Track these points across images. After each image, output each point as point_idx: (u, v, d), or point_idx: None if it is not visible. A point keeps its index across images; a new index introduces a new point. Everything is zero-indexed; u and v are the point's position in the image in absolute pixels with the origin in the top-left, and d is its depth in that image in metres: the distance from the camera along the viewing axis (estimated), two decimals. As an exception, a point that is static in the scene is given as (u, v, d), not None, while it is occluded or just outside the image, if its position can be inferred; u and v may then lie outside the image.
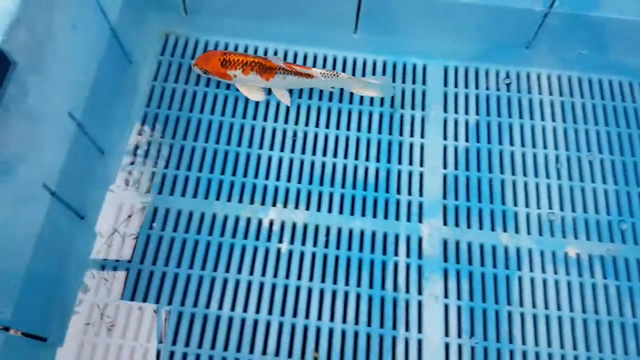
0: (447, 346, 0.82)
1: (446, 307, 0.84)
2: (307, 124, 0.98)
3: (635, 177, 0.94)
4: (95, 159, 0.87)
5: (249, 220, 0.90)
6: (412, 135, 0.97)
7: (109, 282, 0.83)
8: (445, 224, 0.90)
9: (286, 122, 0.98)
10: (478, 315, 0.83)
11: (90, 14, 0.79)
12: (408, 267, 0.87)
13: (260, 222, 0.89)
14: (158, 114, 0.96)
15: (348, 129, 0.98)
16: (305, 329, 0.82)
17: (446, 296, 0.85)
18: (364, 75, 1.01)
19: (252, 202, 0.91)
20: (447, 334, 0.82)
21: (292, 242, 0.88)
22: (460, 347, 0.82)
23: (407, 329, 0.82)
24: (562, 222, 0.90)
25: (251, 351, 0.80)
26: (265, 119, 0.98)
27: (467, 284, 0.86)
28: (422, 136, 0.97)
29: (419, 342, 0.82)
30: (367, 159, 0.95)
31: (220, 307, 0.83)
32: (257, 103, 0.98)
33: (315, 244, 0.88)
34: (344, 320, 0.83)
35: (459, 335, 0.82)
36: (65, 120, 0.75)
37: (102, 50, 0.84)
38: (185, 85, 0.99)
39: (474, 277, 0.86)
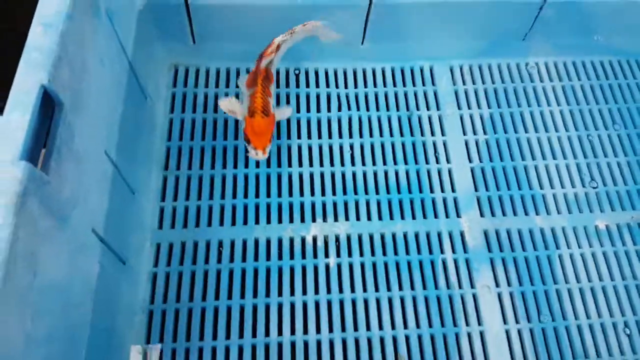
0: (507, 333, 0.83)
1: (499, 295, 0.86)
2: (330, 137, 0.98)
3: (644, 148, 1.01)
4: (128, 200, 0.83)
5: (292, 240, 0.88)
6: (432, 134, 1.00)
7: (162, 326, 0.79)
8: (482, 215, 0.93)
9: (309, 137, 0.98)
10: (529, 298, 0.86)
11: (112, 49, 0.76)
12: (456, 262, 0.88)
13: (303, 240, 0.89)
14: (181, 147, 0.94)
15: (371, 136, 0.99)
16: (369, 341, 0.82)
17: (497, 285, 0.87)
18: (375, 84, 1.03)
19: (291, 220, 0.90)
20: (505, 322, 0.84)
21: (338, 255, 0.88)
22: (520, 332, 0.84)
23: (467, 323, 0.84)
24: (587, 198, 0.95)
25: (321, 371, 0.79)
26: (289, 137, 0.97)
27: (513, 269, 0.88)
28: (443, 134, 1.00)
29: (481, 334, 0.83)
30: (395, 162, 0.97)
31: (280, 333, 0.81)
32: (279, 123, 0.98)
33: (361, 254, 0.88)
34: (405, 326, 0.83)
35: (517, 321, 0.84)
36: (103, 160, 0.72)
37: (124, 85, 0.81)
38: (204, 114, 0.97)
39: (519, 263, 0.89)
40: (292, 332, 0.81)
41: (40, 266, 0.53)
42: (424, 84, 1.05)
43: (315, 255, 0.88)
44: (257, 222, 0.89)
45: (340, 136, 0.98)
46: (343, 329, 0.82)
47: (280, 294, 0.84)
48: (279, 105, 0.98)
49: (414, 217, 0.92)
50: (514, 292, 0.86)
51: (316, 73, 1.04)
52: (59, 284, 0.59)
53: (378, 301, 0.85)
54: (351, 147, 0.98)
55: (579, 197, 0.95)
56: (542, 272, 0.88)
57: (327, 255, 0.88)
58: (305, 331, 0.81)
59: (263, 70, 0.84)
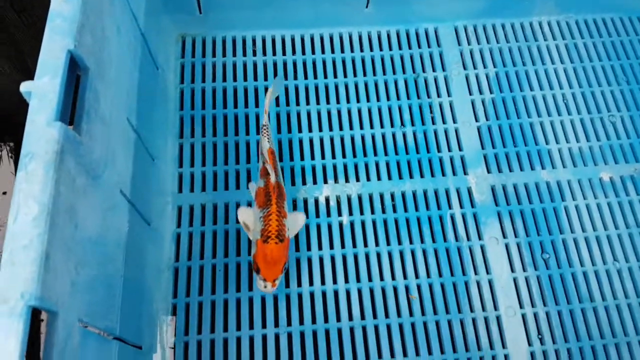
0: (515, 280, 0.87)
1: (507, 246, 0.90)
2: (338, 102, 1.01)
3: (644, 102, 1.03)
4: (149, 165, 0.87)
5: (305, 201, 0.92)
6: (439, 95, 1.02)
7: (188, 281, 0.84)
8: (489, 171, 0.96)
9: (318, 103, 1.01)
10: (536, 248, 0.90)
11: (126, 19, 0.79)
12: (464, 216, 0.92)
13: (316, 201, 0.93)
14: (193, 116, 0.97)
15: (378, 99, 1.02)
16: (383, 291, 0.86)
17: (505, 236, 0.91)
18: (380, 47, 1.06)
19: (304, 183, 0.94)
20: (512, 270, 0.88)
21: (350, 213, 0.92)
22: (527, 279, 0.88)
23: (475, 272, 0.88)
24: (591, 151, 0.98)
25: (338, 319, 0.84)
26: (297, 104, 1.00)
27: (520, 222, 0.92)
28: (449, 95, 1.02)
29: (490, 282, 0.87)
30: (403, 124, 1.00)
31: (299, 285, 0.86)
32: (287, 90, 1.01)
33: (372, 212, 0.92)
34: (417, 276, 0.87)
35: (524, 269, 0.88)
36: (126, 126, 0.76)
37: (139, 55, 0.84)
38: (213, 83, 1.00)
39: (526, 215, 0.92)
40: (310, 283, 0.86)
41: (79, 220, 0.57)
42: (429, 46, 1.07)
43: (328, 214, 0.92)
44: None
45: (348, 101, 1.01)
46: (358, 280, 0.87)
47: (297, 249, 0.88)
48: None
49: (422, 176, 0.95)
50: (521, 242, 0.90)
51: (321, 38, 1.06)
52: (96, 238, 0.63)
53: (390, 254, 0.89)
54: (359, 110, 1.00)
55: (584, 151, 0.98)
56: (549, 223, 0.92)
57: (340, 214, 0.92)
58: (323, 282, 0.86)
59: (275, 186, 0.74)
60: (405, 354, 0.81)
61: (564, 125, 1.00)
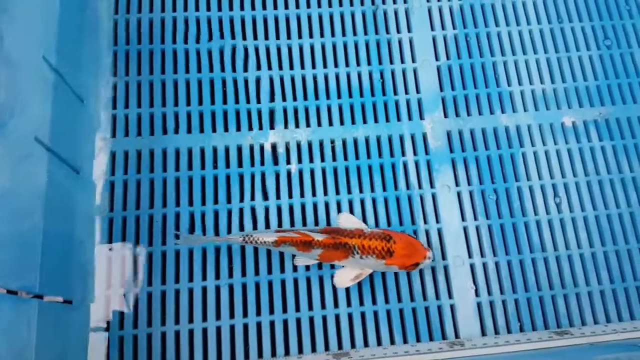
0: (465, 229, 0.85)
1: (459, 194, 0.87)
2: (288, 37, 0.93)
3: (616, 41, 0.96)
4: (77, 108, 0.80)
5: (251, 148, 0.87)
6: (398, 31, 0.94)
7: (123, 231, 0.80)
8: (446, 116, 0.90)
9: (266, 38, 0.92)
10: (489, 195, 0.86)
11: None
12: (417, 164, 0.88)
13: (262, 147, 0.87)
14: (128, 51, 0.88)
15: (332, 35, 0.93)
16: (330, 240, 0.83)
17: (457, 184, 0.87)
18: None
19: (250, 128, 0.88)
20: (463, 219, 0.85)
21: (299, 161, 0.87)
22: (477, 228, 0.85)
23: (425, 221, 0.85)
24: (555, 94, 0.93)
25: (282, 271, 0.81)
26: (244, 38, 0.92)
27: (475, 169, 0.88)
28: (409, 30, 0.94)
29: (439, 231, 0.85)
30: (358, 63, 0.92)
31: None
32: (232, 22, 0.92)
33: (322, 159, 0.87)
34: (365, 223, 0.84)
35: (475, 218, 0.86)
36: (41, 65, 0.68)
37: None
38: (150, 14, 0.90)
39: (481, 162, 0.88)
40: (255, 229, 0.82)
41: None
42: (390, -25, 0.97)
43: (276, 163, 0.86)
44: (214, 130, 0.87)
45: (300, 36, 0.93)
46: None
47: (242, 199, 0.84)
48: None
49: (376, 121, 0.90)
50: (474, 190, 0.87)
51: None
52: (2, 191, 0.58)
53: (339, 204, 0.85)
54: (312, 47, 0.92)
55: (547, 94, 0.92)
56: (505, 170, 0.88)
57: (288, 162, 0.87)
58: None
59: (326, 237, 0.75)
60: (349, 304, 0.80)
61: (528, 65, 0.93)
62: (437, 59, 0.93)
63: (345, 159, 0.87)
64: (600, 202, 0.87)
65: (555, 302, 0.82)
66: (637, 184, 0.88)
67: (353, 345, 0.78)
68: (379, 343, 0.78)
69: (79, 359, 0.74)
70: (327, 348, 0.78)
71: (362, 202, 0.85)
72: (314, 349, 0.78)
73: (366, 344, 0.78)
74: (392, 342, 0.78)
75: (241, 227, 0.82)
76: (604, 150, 0.90)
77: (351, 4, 0.95)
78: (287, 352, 0.77)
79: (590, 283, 0.83)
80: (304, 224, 0.83)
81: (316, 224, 0.83)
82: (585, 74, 0.94)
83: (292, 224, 0.83)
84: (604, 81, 0.94)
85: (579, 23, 0.96)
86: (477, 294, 0.82)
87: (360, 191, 0.86)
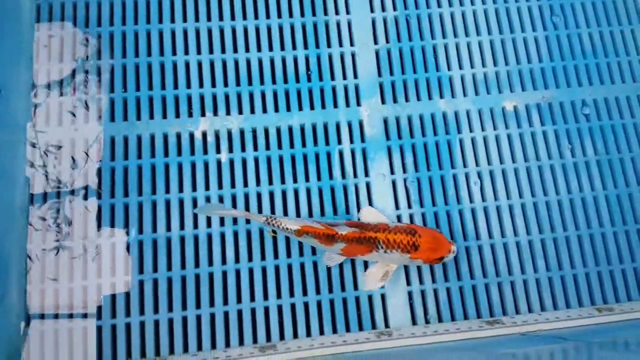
0: (399, 218, 0.83)
1: (394, 182, 0.84)
2: (220, 18, 0.89)
3: (564, 20, 0.93)
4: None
5: (179, 136, 0.84)
6: (337, 13, 0.90)
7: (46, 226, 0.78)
8: (383, 102, 0.87)
9: (197, 20, 0.88)
10: (425, 184, 0.84)
11: None
12: (353, 152, 0.85)
13: (192, 136, 0.84)
14: (51, 36, 0.84)
15: (267, 17, 0.89)
16: (261, 231, 0.81)
17: (392, 172, 0.85)
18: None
19: (177, 115, 0.85)
20: (397, 207, 0.83)
21: (230, 150, 0.84)
22: (411, 216, 0.83)
23: (359, 211, 0.82)
24: (497, 77, 0.90)
25: (210, 264, 0.79)
26: (172, 20, 0.88)
27: (411, 156, 0.85)
28: (348, 12, 0.90)
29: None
30: (294, 47, 0.89)
31: (168, 229, 0.80)
32: (160, 3, 0.87)
33: (255, 148, 0.84)
34: (298, 216, 0.82)
35: (409, 206, 0.84)
36: None
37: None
38: (72, -3, 0.86)
39: (417, 149, 0.86)
40: (182, 227, 0.80)
41: None
42: (328, -47, 0.92)
43: (205, 152, 0.84)
44: (138, 118, 0.83)
45: (233, 18, 0.89)
46: (234, 223, 0.81)
47: (167, 191, 0.81)
48: None
49: (312, 108, 0.87)
50: (409, 178, 0.85)
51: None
52: None
53: (272, 194, 0.83)
54: (245, 30, 0.88)
55: (489, 77, 0.89)
56: (441, 157, 0.86)
57: (219, 150, 0.84)
58: (196, 226, 0.80)
59: (354, 230, 0.74)
60: (279, 296, 0.78)
61: (470, 48, 0.90)
62: (376, 42, 0.89)
63: (280, 147, 0.85)
64: (540, 189, 0.85)
65: (489, 290, 0.81)
66: (578, 169, 0.86)
67: (282, 338, 0.77)
68: (309, 334, 0.77)
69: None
70: (255, 341, 0.77)
71: (296, 192, 0.83)
72: (241, 342, 0.76)
73: (295, 336, 0.77)
74: (322, 333, 0.77)
75: (168, 220, 0.80)
76: (546, 135, 0.88)
77: (287, -16, 0.90)
78: (213, 346, 0.76)
79: (526, 271, 0.82)
80: (235, 219, 0.81)
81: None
82: (529, 56, 0.91)
83: (222, 217, 0.81)
84: (549, 63, 0.91)
85: (526, 3, 0.93)
86: (408, 282, 0.80)
87: (295, 181, 0.84)
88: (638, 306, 0.79)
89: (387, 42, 0.90)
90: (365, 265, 0.80)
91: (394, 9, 0.91)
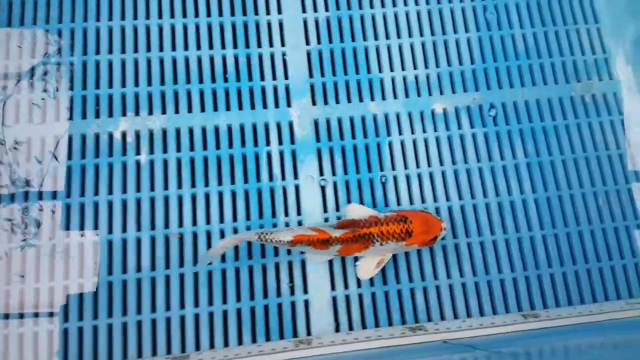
0: (327, 221, 0.81)
1: (322, 185, 0.83)
2: (147, 17, 0.86)
3: (497, 20, 0.92)
4: None
5: (97, 137, 0.80)
6: (268, 12, 0.88)
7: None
8: (314, 103, 0.86)
9: (122, 18, 0.85)
10: (353, 186, 0.83)
11: None
12: (282, 154, 0.83)
13: (111, 136, 0.81)
14: (-42, 31, 0.80)
15: (196, 15, 0.87)
16: (181, 237, 0.78)
17: (322, 175, 0.83)
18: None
19: (97, 115, 0.81)
20: (325, 210, 0.82)
21: (151, 151, 0.81)
22: (339, 218, 0.81)
23: (286, 214, 0.81)
24: (428, 79, 0.89)
25: (124, 271, 0.76)
26: (98, 19, 0.84)
27: (340, 159, 0.84)
28: (280, 12, 0.88)
29: (299, 223, 0.80)
30: (223, 46, 0.86)
31: (82, 235, 0.76)
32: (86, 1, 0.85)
33: (179, 149, 0.82)
34: (222, 220, 0.80)
35: (337, 209, 0.82)
36: None
37: None
38: (-15, -10, 0.82)
39: (347, 151, 0.84)
40: (96, 230, 0.77)
41: None
42: (260, -48, 0.90)
43: (124, 153, 0.80)
44: (57, 118, 0.80)
45: (160, 16, 0.86)
46: (153, 228, 0.78)
47: (82, 194, 0.78)
48: None
49: (240, 108, 0.84)
50: (338, 181, 0.83)
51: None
52: None
53: (194, 197, 0.80)
54: (172, 28, 0.86)
55: (420, 80, 0.88)
56: (370, 160, 0.84)
57: (138, 152, 0.81)
58: (110, 231, 0.77)
59: (346, 232, 0.73)
60: (197, 304, 0.76)
61: (402, 50, 0.89)
62: (307, 43, 0.88)
63: (205, 148, 0.82)
64: (467, 192, 0.84)
65: (414, 296, 0.79)
66: (507, 172, 0.86)
67: (198, 348, 0.74)
68: (226, 344, 0.75)
69: None
70: (169, 351, 0.73)
71: (221, 195, 0.81)
72: (154, 352, 0.73)
73: (212, 346, 0.74)
74: (241, 342, 0.75)
75: (82, 224, 0.77)
76: (475, 137, 0.87)
77: (217, -18, 0.88)
78: (125, 356, 0.73)
79: (452, 275, 0.81)
80: (153, 223, 0.78)
81: (167, 220, 0.78)
82: (461, 58, 0.90)
83: (139, 220, 0.78)
84: (481, 65, 0.90)
85: (460, 4, 0.92)
86: (332, 287, 0.78)
87: (219, 183, 0.81)
88: (565, 312, 0.79)
89: (319, 43, 0.88)
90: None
91: (326, 9, 0.89)
